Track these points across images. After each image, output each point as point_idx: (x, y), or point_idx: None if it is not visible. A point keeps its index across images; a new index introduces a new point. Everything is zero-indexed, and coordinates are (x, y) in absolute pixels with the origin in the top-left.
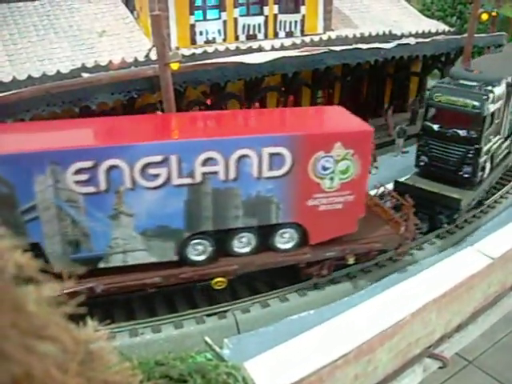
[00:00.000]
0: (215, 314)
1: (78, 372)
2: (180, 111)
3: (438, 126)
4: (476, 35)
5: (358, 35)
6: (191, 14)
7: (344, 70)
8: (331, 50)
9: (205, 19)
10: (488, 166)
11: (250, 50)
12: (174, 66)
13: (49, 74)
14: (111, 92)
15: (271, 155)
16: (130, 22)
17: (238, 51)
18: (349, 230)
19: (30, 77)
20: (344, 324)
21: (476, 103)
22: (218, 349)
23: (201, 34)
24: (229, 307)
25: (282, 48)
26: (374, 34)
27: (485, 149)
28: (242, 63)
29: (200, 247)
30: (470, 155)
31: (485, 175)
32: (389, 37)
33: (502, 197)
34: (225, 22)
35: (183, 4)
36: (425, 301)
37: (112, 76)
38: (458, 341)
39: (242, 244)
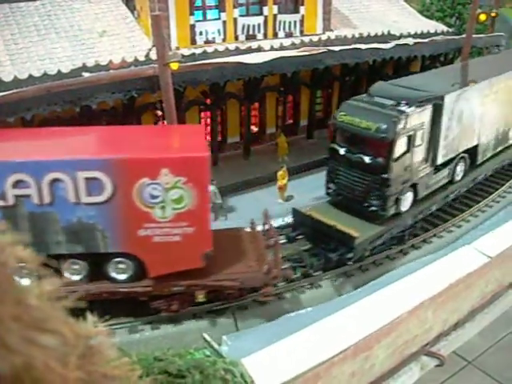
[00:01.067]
0: (214, 311)
1: (78, 365)
2: (179, 111)
3: (344, 149)
4: (474, 35)
5: (357, 35)
6: (191, 14)
7: (343, 71)
8: (330, 50)
9: (204, 19)
10: (408, 198)
11: (249, 50)
12: (174, 66)
13: (49, 73)
14: (111, 91)
15: (87, 180)
16: (131, 21)
17: (238, 51)
18: (193, 265)
19: (30, 76)
20: (341, 321)
21: (382, 126)
22: (216, 345)
23: (201, 34)
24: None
25: (282, 48)
26: (372, 34)
27: (400, 179)
28: (241, 63)
29: None
30: (377, 186)
31: (404, 208)
32: (388, 37)
33: (500, 196)
34: (224, 23)
35: (183, 4)
36: (422, 299)
37: (112, 75)
38: (455, 339)
39: (74, 271)
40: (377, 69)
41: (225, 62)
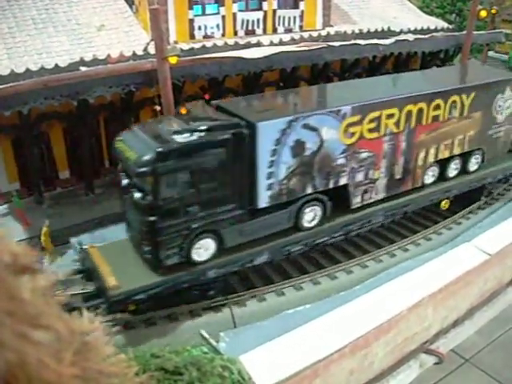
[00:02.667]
0: (211, 308)
1: (73, 362)
2: (178, 106)
3: (126, 180)
4: (475, 32)
5: (357, 31)
6: (190, 8)
7: (343, 66)
8: (329, 46)
9: (203, 14)
10: (207, 245)
11: (248, 45)
12: (173, 60)
13: (47, 67)
14: (109, 85)
15: None
16: (129, 16)
17: (237, 46)
18: None
19: (28, 70)
20: (340, 318)
21: (141, 157)
22: (213, 342)
23: (199, 28)
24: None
25: (281, 43)
26: (372, 30)
27: (177, 222)
28: (240, 58)
29: None
30: (145, 229)
31: (199, 258)
32: (387, 33)
33: (499, 194)
34: (223, 17)
35: None
36: (421, 296)
37: (110, 70)
38: (454, 337)
39: None
40: (376, 65)
41: (224, 57)
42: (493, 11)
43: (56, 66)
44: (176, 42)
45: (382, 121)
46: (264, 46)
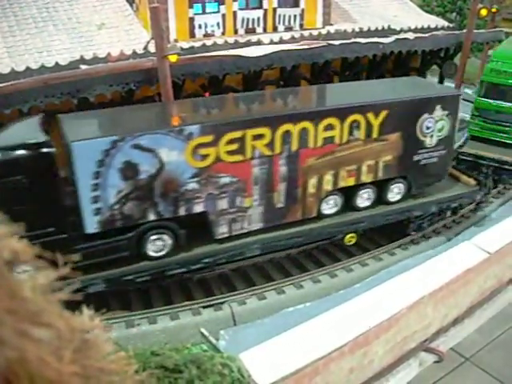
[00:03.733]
0: (211, 305)
1: (73, 359)
2: None
3: None
4: (475, 31)
5: (357, 30)
6: (190, 7)
7: (343, 65)
8: (330, 44)
9: (204, 12)
10: None
11: (248, 44)
12: (173, 59)
13: (47, 65)
14: (109, 84)
15: None
16: (129, 14)
17: (237, 45)
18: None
19: (28, 68)
20: (340, 316)
21: None
22: (213, 340)
23: (200, 27)
24: (225, 299)
25: (281, 42)
26: (373, 28)
27: None
28: (240, 56)
29: None
30: None
31: None
32: (388, 32)
33: (499, 192)
34: (224, 16)
35: None
36: (421, 294)
37: (110, 68)
38: (454, 335)
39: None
40: (377, 64)
41: (224, 55)
42: (493, 10)
43: (56, 64)
44: (176, 41)
45: (248, 142)
46: (264, 44)
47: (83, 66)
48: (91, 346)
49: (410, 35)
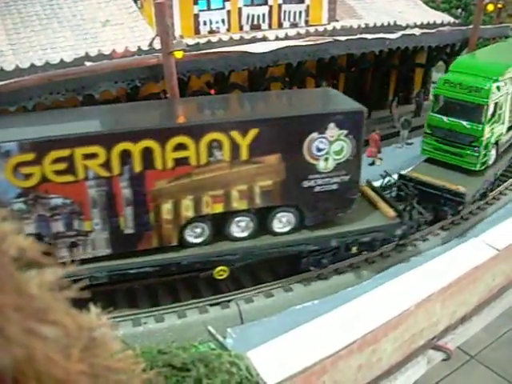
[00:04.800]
0: (218, 303)
1: (81, 358)
2: None
3: None
4: (481, 26)
5: (363, 26)
6: (195, 3)
7: (349, 61)
8: (335, 40)
9: (209, 9)
10: None
11: (253, 40)
12: (178, 55)
13: (52, 62)
14: (114, 80)
15: None
16: (134, 11)
17: (242, 41)
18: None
19: (32, 65)
20: (348, 314)
21: None
22: (221, 338)
23: (205, 23)
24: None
25: (286, 38)
26: (378, 24)
27: None
28: (245, 52)
29: None
30: None
31: None
32: (393, 27)
33: (507, 188)
34: (229, 12)
35: None
36: (429, 291)
37: (115, 64)
38: (462, 333)
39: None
40: (383, 60)
41: (229, 51)
42: (499, 5)
43: (61, 61)
44: (181, 37)
45: (78, 161)
46: (270, 40)
47: (88, 63)
48: (99, 345)
49: (416, 31)
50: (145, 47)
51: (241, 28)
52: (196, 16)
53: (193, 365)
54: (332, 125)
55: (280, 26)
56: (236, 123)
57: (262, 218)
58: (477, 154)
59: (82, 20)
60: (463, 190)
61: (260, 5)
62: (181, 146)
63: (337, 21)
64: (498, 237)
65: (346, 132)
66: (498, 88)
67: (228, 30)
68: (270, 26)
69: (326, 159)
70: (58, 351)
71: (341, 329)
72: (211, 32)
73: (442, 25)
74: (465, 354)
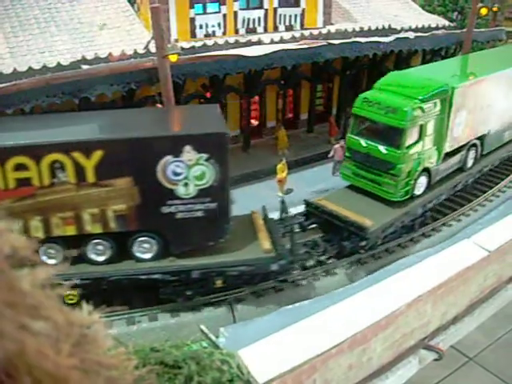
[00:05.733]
0: (212, 303)
1: (72, 353)
2: (179, 104)
3: None
4: (476, 30)
5: (358, 29)
6: (191, 7)
7: (344, 65)
8: (329, 43)
9: (205, 13)
10: None
11: (249, 44)
12: (173, 58)
13: (49, 65)
14: (110, 83)
15: None
16: (131, 15)
17: (238, 44)
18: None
19: (30, 68)
20: (338, 314)
21: None
22: (213, 337)
23: (201, 27)
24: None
25: (282, 41)
26: (373, 28)
27: None
28: (240, 56)
29: None
30: None
31: None
32: (388, 31)
33: (500, 190)
34: (224, 16)
35: None
36: (420, 292)
37: (111, 67)
38: (454, 333)
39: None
40: (377, 63)
41: (224, 55)
42: (494, 9)
43: (58, 64)
44: (177, 41)
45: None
46: (265, 44)
47: (85, 66)
48: (90, 341)
49: (411, 34)
50: (141, 50)
51: (236, 31)
52: (192, 20)
53: (184, 362)
54: (188, 148)
55: (275, 29)
56: (77, 144)
57: (122, 243)
58: (394, 183)
59: (80, 23)
60: (368, 224)
61: (256, 8)
62: (21, 167)
63: (332, 24)
64: (489, 238)
65: (206, 156)
66: (423, 109)
67: (224, 33)
68: (265, 30)
69: (186, 184)
70: (49, 346)
71: (331, 328)
72: (207, 35)
73: (437, 28)
74: (463, 356)
